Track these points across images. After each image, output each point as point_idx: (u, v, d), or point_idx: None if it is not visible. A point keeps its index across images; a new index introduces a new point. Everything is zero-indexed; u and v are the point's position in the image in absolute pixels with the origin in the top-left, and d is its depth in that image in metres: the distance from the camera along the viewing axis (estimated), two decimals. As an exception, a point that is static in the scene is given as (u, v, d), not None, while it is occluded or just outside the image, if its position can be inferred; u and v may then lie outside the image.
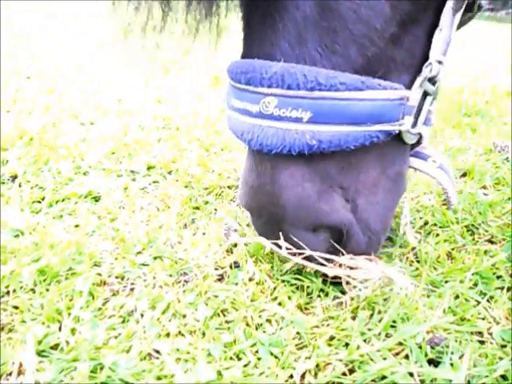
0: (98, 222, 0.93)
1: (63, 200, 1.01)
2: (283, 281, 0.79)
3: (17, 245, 0.81)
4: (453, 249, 0.96)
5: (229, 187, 1.13)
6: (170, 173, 1.19)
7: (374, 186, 0.77)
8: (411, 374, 0.62)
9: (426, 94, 0.73)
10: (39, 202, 1.01)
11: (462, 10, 0.74)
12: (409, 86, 0.72)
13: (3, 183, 1.07)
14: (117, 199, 1.02)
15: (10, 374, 0.57)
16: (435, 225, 1.04)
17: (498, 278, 0.87)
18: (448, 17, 0.71)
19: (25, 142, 1.29)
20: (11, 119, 1.48)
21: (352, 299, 0.75)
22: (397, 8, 0.66)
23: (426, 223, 1.04)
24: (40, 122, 1.46)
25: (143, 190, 1.09)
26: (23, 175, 1.10)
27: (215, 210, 1.03)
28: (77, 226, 0.91)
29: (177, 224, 0.95)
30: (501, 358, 0.67)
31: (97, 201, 1.02)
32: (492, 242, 0.99)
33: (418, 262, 0.91)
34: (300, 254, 0.72)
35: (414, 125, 0.74)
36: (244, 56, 0.71)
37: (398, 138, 0.73)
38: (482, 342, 0.71)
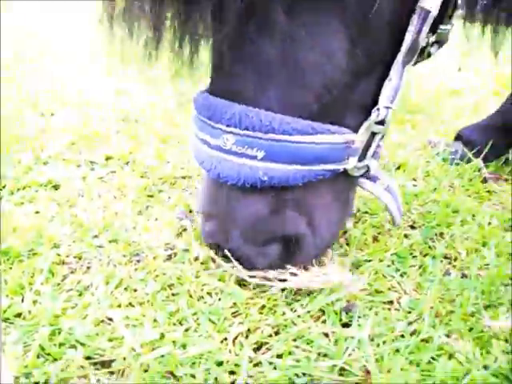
0: (58, 208, 1.00)
1: (24, 188, 1.08)
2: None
3: (-20, 229, 0.88)
4: (379, 233, 1.09)
5: (183, 177, 1.23)
6: (127, 163, 1.27)
7: (327, 207, 0.85)
8: (326, 334, 0.74)
9: (374, 134, 0.83)
10: (0, 190, 1.07)
11: (412, 62, 0.81)
12: (356, 129, 0.79)
13: (-36, 172, 1.12)
14: (75, 187, 1.10)
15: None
16: (366, 212, 1.17)
17: (414, 257, 1.01)
18: (397, 69, 0.79)
19: (-15, 132, 1.34)
20: (-30, 109, 1.51)
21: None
22: (353, 62, 0.73)
23: (358, 210, 1.17)
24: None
25: (101, 180, 1.17)
26: (-16, 164, 1.16)
27: (169, 197, 1.12)
28: (37, 212, 0.99)
29: (132, 211, 1.04)
30: (406, 322, 0.80)
31: (56, 189, 1.10)
32: (413, 228, 1.13)
33: (348, 244, 1.04)
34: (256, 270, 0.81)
35: (362, 159, 0.83)
36: (210, 91, 0.77)
37: (345, 172, 0.82)
38: (391, 310, 0.84)
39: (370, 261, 0.98)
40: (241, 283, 0.85)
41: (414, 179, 1.39)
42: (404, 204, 1.21)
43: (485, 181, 1.40)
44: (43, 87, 1.84)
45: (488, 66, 3.63)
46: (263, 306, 0.79)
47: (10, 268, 0.78)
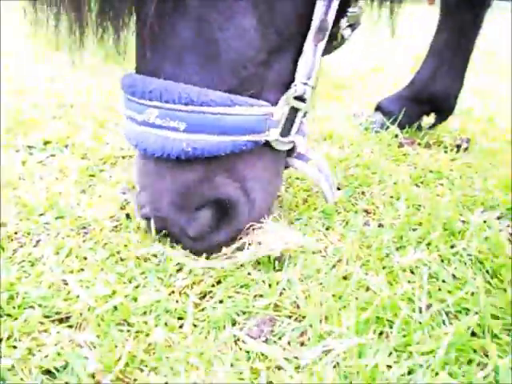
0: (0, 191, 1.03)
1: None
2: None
3: None
4: (308, 195, 1.21)
5: (123, 157, 1.28)
6: (65, 147, 1.29)
7: (258, 176, 0.90)
8: (263, 281, 0.85)
9: (296, 110, 0.89)
10: None
11: (324, 41, 0.87)
12: (276, 103, 0.85)
13: None
14: (16, 172, 1.12)
15: None
16: (297, 178, 1.29)
17: (339, 213, 1.14)
18: (310, 47, 0.86)
19: None
20: None
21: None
22: (265, 39, 0.80)
23: (289, 177, 1.29)
24: None
25: (41, 163, 1.20)
26: None
27: (110, 176, 1.17)
28: (-22, 196, 1.01)
29: (75, 190, 1.09)
30: (331, 265, 0.92)
31: (-4, 174, 1.11)
32: (338, 189, 1.27)
33: (281, 207, 1.15)
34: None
35: (287, 135, 0.90)
36: (136, 70, 0.83)
37: (270, 145, 0.88)
38: (318, 257, 0.96)
39: (300, 219, 1.09)
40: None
41: (340, 147, 1.52)
42: (331, 168, 1.34)
43: (401, 145, 1.57)
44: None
45: (408, 46, 3.90)
46: (205, 262, 0.88)
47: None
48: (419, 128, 1.68)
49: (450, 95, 1.62)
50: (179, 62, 0.78)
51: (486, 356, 0.73)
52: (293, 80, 0.88)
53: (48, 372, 0.62)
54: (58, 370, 0.62)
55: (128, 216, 0.98)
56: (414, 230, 1.07)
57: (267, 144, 0.88)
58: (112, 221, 0.97)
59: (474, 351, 0.74)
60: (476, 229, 1.05)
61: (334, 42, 0.98)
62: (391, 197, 1.21)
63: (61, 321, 0.71)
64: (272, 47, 0.83)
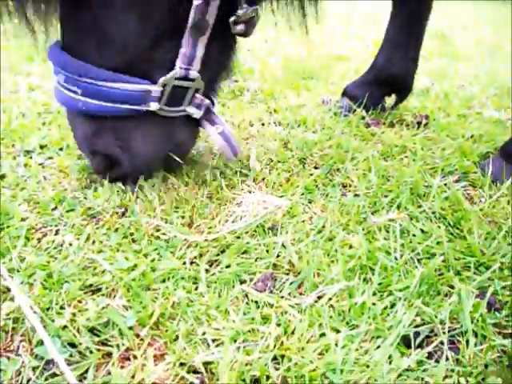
0: (10, 192, 1.11)
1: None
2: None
3: None
4: (290, 175, 1.35)
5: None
6: (61, 149, 1.38)
7: (140, 137, 1.12)
8: (259, 244, 0.98)
9: (187, 88, 1.09)
10: None
11: (205, 36, 1.04)
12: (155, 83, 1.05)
13: None
14: (20, 174, 1.21)
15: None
16: (278, 161, 1.42)
17: (318, 188, 1.28)
18: (188, 41, 1.03)
19: None
20: None
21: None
22: (145, 32, 1.00)
23: (271, 161, 1.42)
24: None
25: (42, 165, 1.28)
26: None
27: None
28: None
29: (79, 186, 1.18)
30: (317, 230, 1.06)
31: (3, 178, 1.19)
32: (316, 168, 1.41)
33: (266, 187, 1.28)
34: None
35: (177, 106, 1.11)
36: (60, 45, 1.06)
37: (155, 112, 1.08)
38: (306, 225, 1.10)
39: (283, 196, 1.23)
40: (185, 224, 1.05)
41: (314, 132, 1.67)
42: (307, 150, 1.48)
43: (368, 126, 1.73)
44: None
45: (368, 34, 4.09)
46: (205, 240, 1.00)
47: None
48: (383, 109, 1.84)
49: (406, 76, 1.79)
50: (81, 43, 1.03)
51: (451, 287, 0.89)
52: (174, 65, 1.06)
53: (93, 330, 0.73)
54: (100, 330, 0.73)
55: (135, 203, 1.08)
56: (386, 196, 1.22)
57: (154, 113, 1.09)
58: (119, 208, 1.08)
59: (441, 285, 0.89)
60: (438, 190, 1.22)
61: (236, 36, 1.14)
62: (363, 170, 1.36)
63: (94, 292, 0.82)
64: (152, 38, 1.02)
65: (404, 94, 1.83)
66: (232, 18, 1.06)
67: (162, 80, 1.04)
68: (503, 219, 1.13)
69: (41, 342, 0.69)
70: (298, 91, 2.13)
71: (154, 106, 1.06)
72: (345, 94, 1.87)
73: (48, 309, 0.75)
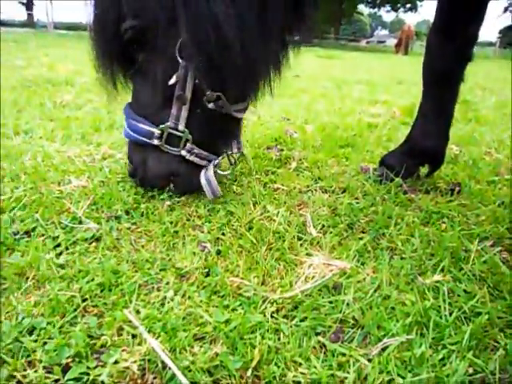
0: (110, 253, 1.33)
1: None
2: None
3: None
4: (341, 239, 1.53)
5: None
6: (142, 215, 1.61)
7: (150, 159, 1.69)
8: (325, 303, 1.15)
9: (179, 137, 1.60)
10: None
11: (187, 105, 1.57)
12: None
13: None
14: (115, 237, 1.42)
15: None
16: (329, 226, 1.61)
17: (368, 251, 1.46)
18: (175, 107, 1.56)
19: None
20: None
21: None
22: (154, 100, 1.60)
23: (323, 226, 1.61)
24: None
25: (129, 229, 1.51)
26: None
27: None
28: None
29: (164, 247, 1.39)
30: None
31: (98, 240, 1.41)
32: (363, 232, 1.59)
33: (322, 249, 1.46)
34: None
35: (175, 147, 1.62)
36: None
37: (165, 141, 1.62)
38: (357, 281, 1.26)
39: (339, 258, 1.40)
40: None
41: (357, 198, 1.86)
42: (354, 216, 1.67)
43: (406, 193, 1.92)
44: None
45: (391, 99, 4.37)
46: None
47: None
48: (418, 177, 2.04)
49: (439, 149, 1.99)
50: (133, 101, 1.69)
51: (497, 342, 1.03)
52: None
53: (208, 370, 0.91)
54: (213, 371, 0.91)
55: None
56: (430, 259, 1.39)
57: (159, 148, 1.64)
58: (202, 269, 1.27)
59: (488, 340, 1.04)
60: (476, 255, 1.38)
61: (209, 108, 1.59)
62: (407, 235, 1.54)
63: (199, 340, 1.00)
64: (159, 103, 1.59)
65: (437, 164, 2.03)
66: (204, 98, 1.54)
67: (160, 127, 1.58)
68: (538, 282, 1.27)
69: (170, 378, 0.86)
70: (337, 159, 2.36)
71: (156, 142, 1.60)
72: (382, 163, 2.08)
73: (170, 351, 0.93)
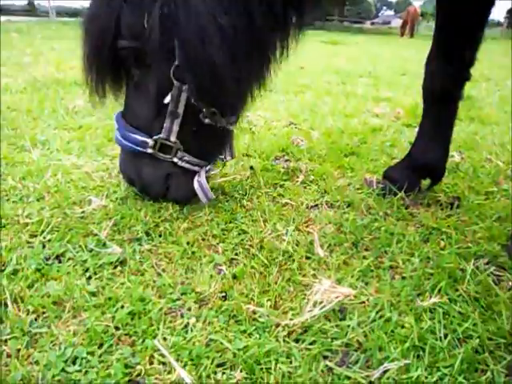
0: (134, 277, 1.45)
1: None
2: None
3: None
4: (347, 258, 1.65)
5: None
6: (160, 235, 1.73)
7: (144, 168, 1.85)
8: (332, 328, 1.27)
9: (170, 147, 1.77)
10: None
11: (179, 119, 1.72)
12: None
13: None
14: (138, 260, 1.55)
15: None
16: (335, 244, 1.73)
17: (371, 271, 1.57)
18: (168, 120, 1.71)
19: None
20: None
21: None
22: (150, 112, 1.72)
23: (329, 244, 1.72)
24: None
25: (150, 251, 1.63)
26: None
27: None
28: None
29: (183, 270, 1.51)
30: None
31: (123, 264, 1.54)
32: (367, 250, 1.70)
33: (329, 269, 1.58)
34: None
35: (168, 154, 1.78)
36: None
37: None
38: (361, 303, 1.38)
39: (342, 278, 1.52)
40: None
41: (362, 213, 1.97)
42: (359, 234, 1.78)
43: (408, 207, 2.02)
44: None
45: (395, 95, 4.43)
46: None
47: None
48: (419, 190, 2.14)
49: (439, 163, 2.09)
50: (126, 112, 1.83)
51: (487, 365, 1.16)
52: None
53: None
54: (231, 396, 1.04)
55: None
56: (428, 279, 1.50)
57: (154, 156, 1.79)
58: (219, 293, 1.40)
59: (479, 363, 1.16)
60: (471, 275, 1.49)
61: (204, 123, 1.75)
62: (407, 254, 1.65)
63: (219, 366, 1.13)
64: (153, 116, 1.73)
65: (437, 178, 2.13)
66: (201, 114, 1.71)
67: (153, 137, 1.74)
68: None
69: (198, 406, 1.00)
70: (342, 170, 2.46)
71: (149, 151, 1.75)
72: (385, 177, 2.18)
73: (197, 378, 1.06)
